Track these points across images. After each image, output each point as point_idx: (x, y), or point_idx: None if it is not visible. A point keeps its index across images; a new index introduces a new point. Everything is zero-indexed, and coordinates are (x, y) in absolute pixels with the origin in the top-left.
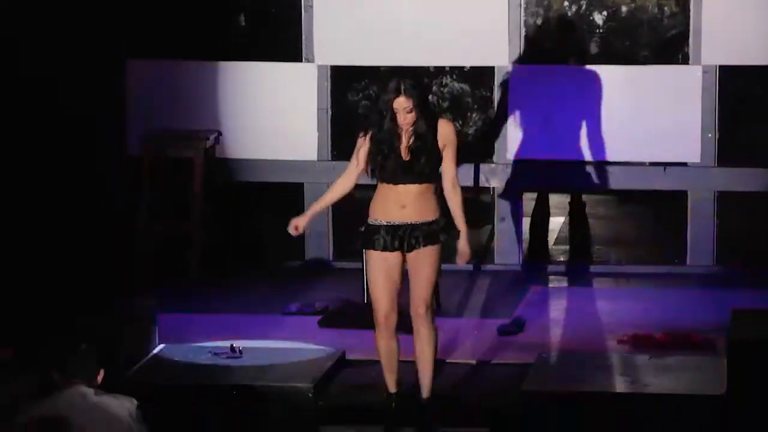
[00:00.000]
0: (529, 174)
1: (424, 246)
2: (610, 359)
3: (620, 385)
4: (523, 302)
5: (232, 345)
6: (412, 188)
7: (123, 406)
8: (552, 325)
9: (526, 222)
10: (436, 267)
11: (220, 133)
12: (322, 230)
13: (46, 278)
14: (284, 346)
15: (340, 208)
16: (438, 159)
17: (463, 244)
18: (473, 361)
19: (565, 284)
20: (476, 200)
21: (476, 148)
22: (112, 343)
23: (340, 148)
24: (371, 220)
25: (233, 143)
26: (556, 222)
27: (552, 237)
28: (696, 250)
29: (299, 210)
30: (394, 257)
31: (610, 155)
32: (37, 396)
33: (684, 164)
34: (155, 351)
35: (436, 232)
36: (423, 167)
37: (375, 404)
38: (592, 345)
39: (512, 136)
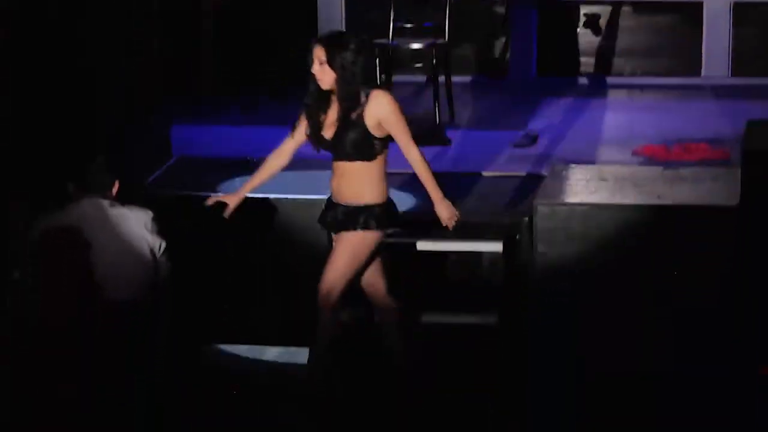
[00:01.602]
0: None
1: (343, 231)
2: (624, 171)
3: (634, 197)
4: (537, 115)
5: (247, 157)
6: (344, 166)
7: (138, 217)
8: (565, 138)
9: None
10: (349, 259)
11: None
12: None
13: (57, 93)
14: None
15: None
16: (367, 136)
17: (439, 209)
18: (486, 174)
19: (579, 96)
20: (490, 11)
21: None
22: (128, 154)
23: None
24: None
25: None
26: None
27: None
28: (711, 62)
29: (311, 25)
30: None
31: None
32: (52, 208)
33: None
34: (170, 162)
35: (358, 218)
36: (348, 145)
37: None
38: (606, 157)
39: None
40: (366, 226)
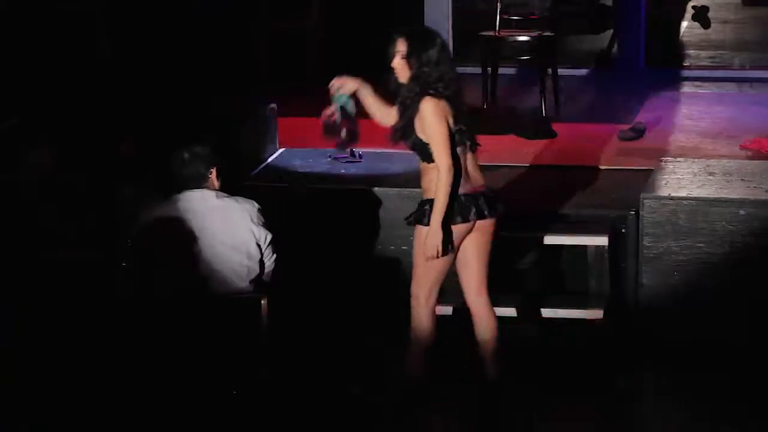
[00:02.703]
0: None
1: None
2: (732, 165)
3: (741, 191)
4: (644, 107)
5: (352, 149)
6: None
7: (244, 209)
8: (674, 131)
9: None
10: (422, 255)
11: None
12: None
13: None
14: (403, 152)
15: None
16: (418, 140)
17: (429, 235)
18: (593, 167)
19: (687, 89)
20: (597, 2)
21: None
22: (233, 146)
23: None
24: None
25: None
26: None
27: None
28: None
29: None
30: None
31: None
32: (158, 197)
33: None
34: (276, 155)
35: (422, 213)
36: (408, 145)
37: None
38: (714, 150)
39: None
40: (424, 222)
